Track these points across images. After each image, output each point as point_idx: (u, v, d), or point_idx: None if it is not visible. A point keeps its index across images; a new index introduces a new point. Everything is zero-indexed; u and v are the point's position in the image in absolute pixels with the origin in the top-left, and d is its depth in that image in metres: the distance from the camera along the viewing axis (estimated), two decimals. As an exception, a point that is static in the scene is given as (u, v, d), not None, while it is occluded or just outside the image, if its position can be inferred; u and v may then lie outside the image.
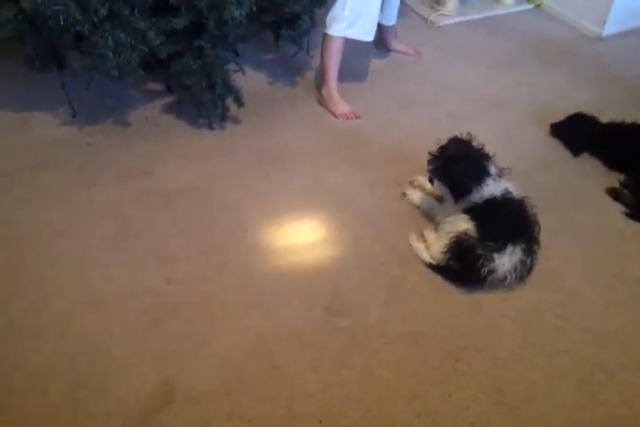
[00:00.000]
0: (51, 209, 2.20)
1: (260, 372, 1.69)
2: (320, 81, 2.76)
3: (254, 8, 2.31)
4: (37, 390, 1.63)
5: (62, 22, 2.04)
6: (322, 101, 2.78)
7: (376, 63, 3.10)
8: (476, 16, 3.64)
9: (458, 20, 3.59)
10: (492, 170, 1.95)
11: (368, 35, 2.60)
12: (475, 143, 1.97)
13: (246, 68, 2.85)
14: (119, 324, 1.81)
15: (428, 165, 2.00)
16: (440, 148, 1.98)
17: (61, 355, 1.72)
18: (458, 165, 1.92)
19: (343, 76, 2.73)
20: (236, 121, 2.65)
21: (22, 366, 1.69)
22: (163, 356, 1.72)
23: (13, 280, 1.93)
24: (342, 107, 2.72)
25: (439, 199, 2.16)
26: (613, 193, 2.32)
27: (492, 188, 1.92)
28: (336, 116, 2.71)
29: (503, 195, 1.92)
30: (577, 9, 3.49)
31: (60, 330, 1.78)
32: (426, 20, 3.56)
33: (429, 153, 1.99)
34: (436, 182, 2.01)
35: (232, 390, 1.64)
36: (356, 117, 2.71)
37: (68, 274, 1.96)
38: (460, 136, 2.00)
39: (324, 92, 2.74)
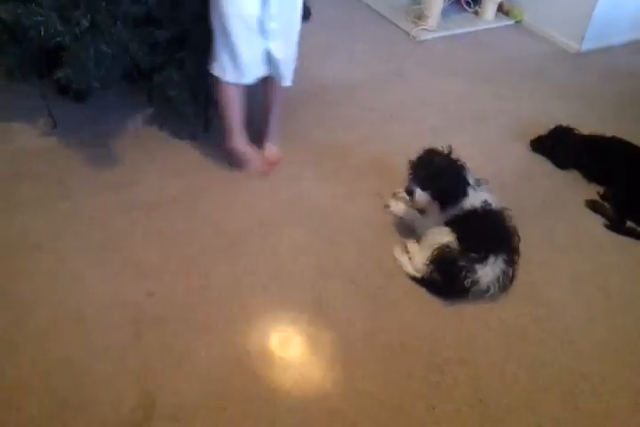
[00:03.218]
0: (29, 220, 2.16)
1: (243, 386, 1.67)
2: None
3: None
4: (13, 405, 1.58)
5: (43, 33, 2.02)
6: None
7: (358, 77, 3.12)
8: (457, 31, 3.70)
9: (439, 34, 3.64)
10: (471, 180, 1.97)
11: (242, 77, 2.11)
12: (452, 155, 1.98)
13: (229, 81, 2.85)
14: (99, 338, 1.77)
15: (410, 174, 1.99)
16: (419, 158, 1.99)
17: (39, 370, 1.67)
18: (446, 175, 1.93)
19: (326, 88, 2.73)
20: (219, 133, 2.63)
21: (-2, 382, 1.65)
22: (144, 370, 1.68)
23: (-10, 294, 1.89)
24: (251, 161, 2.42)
25: (421, 211, 2.16)
26: (593, 205, 2.34)
27: (472, 199, 1.94)
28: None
29: (483, 206, 1.93)
30: (556, 25, 3.57)
31: (39, 344, 1.74)
32: (408, 34, 3.60)
33: (410, 161, 2.00)
34: (418, 192, 1.95)
35: (214, 405, 1.62)
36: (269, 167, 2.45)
37: (47, 287, 1.92)
38: (436, 148, 2.00)
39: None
